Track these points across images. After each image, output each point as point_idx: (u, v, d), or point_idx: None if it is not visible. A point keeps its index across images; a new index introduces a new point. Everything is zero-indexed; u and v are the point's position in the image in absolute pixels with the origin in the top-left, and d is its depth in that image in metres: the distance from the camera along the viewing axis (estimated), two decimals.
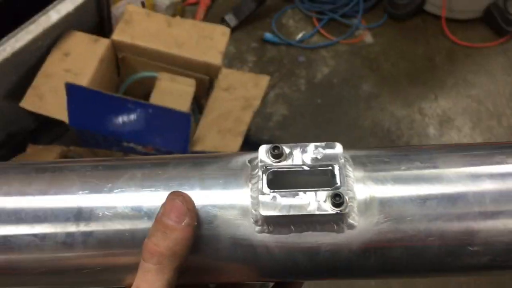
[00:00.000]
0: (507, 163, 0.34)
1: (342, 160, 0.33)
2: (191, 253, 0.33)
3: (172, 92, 1.43)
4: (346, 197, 0.32)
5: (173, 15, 1.99)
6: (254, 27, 1.99)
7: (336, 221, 0.32)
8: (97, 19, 1.48)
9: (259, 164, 0.34)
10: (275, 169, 0.33)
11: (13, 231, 0.34)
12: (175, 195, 0.33)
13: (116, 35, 1.40)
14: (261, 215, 0.32)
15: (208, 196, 0.34)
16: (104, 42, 1.38)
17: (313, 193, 0.32)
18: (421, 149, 0.36)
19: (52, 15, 1.33)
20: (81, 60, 1.36)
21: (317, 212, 0.31)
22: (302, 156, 0.34)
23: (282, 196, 0.32)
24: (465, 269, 0.34)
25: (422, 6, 1.95)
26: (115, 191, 0.34)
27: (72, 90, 1.20)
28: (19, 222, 0.34)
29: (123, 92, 1.53)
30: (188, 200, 0.33)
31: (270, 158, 0.34)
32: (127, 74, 1.51)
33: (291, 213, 0.32)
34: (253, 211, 0.33)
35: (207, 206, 0.34)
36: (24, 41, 1.28)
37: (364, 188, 0.33)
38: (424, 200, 0.32)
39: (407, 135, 1.72)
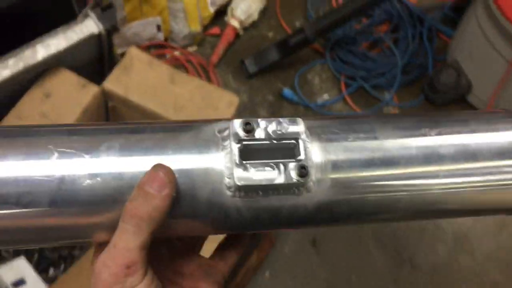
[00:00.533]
0: (429, 135, 0.41)
1: (304, 135, 0.39)
2: (174, 214, 0.37)
3: None
4: (310, 170, 0.37)
5: (190, 45, 1.80)
6: (274, 77, 1.79)
7: (298, 187, 0.38)
8: (95, 55, 1.30)
9: (232, 136, 0.38)
10: (246, 142, 0.38)
11: None
12: (158, 167, 0.36)
13: (109, 83, 1.21)
14: (235, 184, 0.37)
15: (185, 164, 0.37)
16: (92, 90, 1.20)
17: (281, 164, 0.37)
18: (363, 120, 0.43)
19: (39, 51, 1.15)
20: (62, 105, 1.18)
21: (284, 183, 0.37)
22: (269, 130, 0.38)
23: (254, 167, 0.37)
24: (395, 219, 0.43)
25: (465, 96, 1.73)
26: (95, 159, 0.36)
27: None
28: (1, 195, 0.35)
29: None
30: (169, 173, 0.36)
31: (242, 131, 0.38)
32: (116, 120, 1.34)
33: (263, 183, 0.37)
34: (227, 179, 0.37)
35: (185, 175, 0.37)
36: None
37: (319, 157, 0.39)
38: (366, 165, 0.39)
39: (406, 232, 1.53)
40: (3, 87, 1.12)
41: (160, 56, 1.77)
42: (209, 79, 1.75)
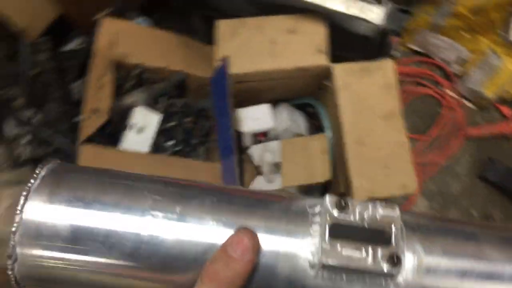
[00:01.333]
0: None
1: (399, 224, 0.36)
2: (249, 285, 0.35)
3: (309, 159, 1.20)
4: (402, 261, 0.35)
5: (468, 100, 1.55)
6: (501, 200, 1.46)
7: (386, 279, 0.35)
8: (363, 39, 1.21)
9: (324, 212, 0.36)
10: (338, 221, 0.36)
11: (85, 237, 0.36)
12: (244, 232, 0.35)
13: (338, 69, 1.14)
14: (320, 262, 0.34)
15: (271, 235, 0.36)
16: (319, 59, 1.14)
17: (370, 249, 0.35)
18: (466, 224, 0.40)
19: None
20: (289, 47, 1.16)
21: (373, 269, 0.34)
22: (363, 213, 0.36)
23: (342, 247, 0.35)
24: None
25: None
26: (184, 215, 0.37)
27: (223, 67, 1.06)
28: (92, 232, 0.36)
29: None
30: (254, 239, 0.35)
31: (334, 209, 0.36)
32: (318, 97, 1.28)
33: (350, 265, 0.34)
34: (311, 256, 0.35)
35: (269, 244, 0.36)
36: None
37: (413, 253, 0.36)
38: (464, 273, 0.35)
39: None
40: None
41: (435, 83, 1.57)
42: (448, 140, 1.52)
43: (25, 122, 1.24)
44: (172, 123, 1.24)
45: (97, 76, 1.13)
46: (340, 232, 0.35)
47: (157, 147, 1.20)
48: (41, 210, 0.36)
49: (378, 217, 0.36)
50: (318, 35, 1.16)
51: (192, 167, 1.14)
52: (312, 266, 0.35)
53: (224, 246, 0.35)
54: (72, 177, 0.38)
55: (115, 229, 0.36)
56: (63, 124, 1.29)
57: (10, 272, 0.37)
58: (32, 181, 0.38)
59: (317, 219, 0.36)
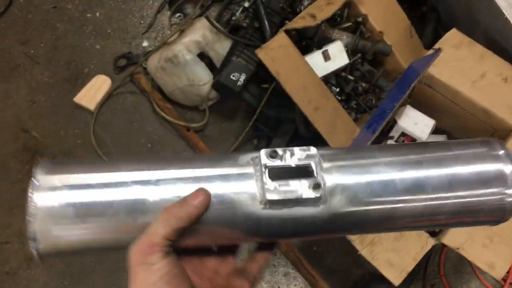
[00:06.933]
0: (424, 167, 0.51)
1: (317, 159, 0.50)
2: (216, 222, 0.49)
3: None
4: (323, 186, 0.48)
5: None
6: None
7: (315, 201, 0.48)
8: None
9: (262, 162, 0.49)
10: (273, 166, 0.49)
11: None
12: (201, 191, 0.48)
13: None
14: (266, 199, 0.48)
15: (227, 185, 0.49)
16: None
17: (298, 182, 0.48)
18: (365, 149, 0.54)
19: None
20: (491, 92, 1.17)
21: (304, 196, 0.48)
22: (290, 157, 0.50)
23: (280, 185, 0.48)
24: (391, 229, 0.54)
25: None
26: (160, 183, 0.49)
27: (430, 56, 1.11)
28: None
29: None
30: (207, 197, 0.47)
31: (268, 159, 0.49)
32: None
33: (288, 197, 0.48)
34: (259, 195, 0.48)
35: (226, 193, 0.49)
36: None
37: (331, 177, 0.49)
38: (369, 184, 0.50)
39: None
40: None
41: None
42: None
43: None
44: (351, 76, 1.33)
45: None
46: (275, 173, 0.48)
47: (325, 83, 1.30)
48: (48, 198, 0.46)
49: (302, 157, 0.49)
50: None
51: (339, 114, 1.21)
52: (260, 201, 0.48)
53: (185, 198, 0.47)
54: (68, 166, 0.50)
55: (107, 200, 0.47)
56: (275, 16, 1.45)
57: (34, 251, 0.46)
58: (37, 176, 0.47)
59: (258, 168, 0.49)
